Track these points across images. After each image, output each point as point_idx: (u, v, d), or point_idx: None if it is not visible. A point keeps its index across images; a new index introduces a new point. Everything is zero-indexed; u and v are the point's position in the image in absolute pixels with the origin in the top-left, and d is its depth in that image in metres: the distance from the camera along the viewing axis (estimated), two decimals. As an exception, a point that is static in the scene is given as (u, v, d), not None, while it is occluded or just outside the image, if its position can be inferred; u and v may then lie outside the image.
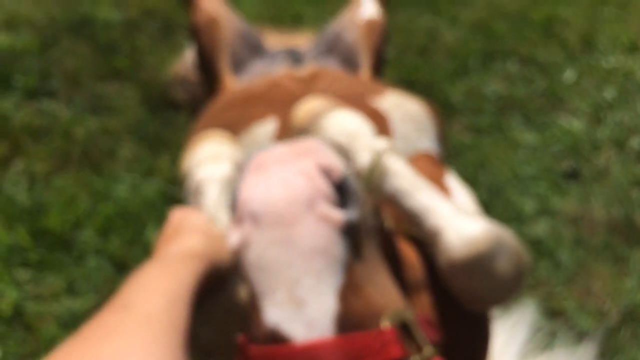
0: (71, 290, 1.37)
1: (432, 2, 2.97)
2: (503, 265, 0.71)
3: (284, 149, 0.65)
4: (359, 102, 1.06)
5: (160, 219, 1.55)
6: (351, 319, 0.56)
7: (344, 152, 0.80)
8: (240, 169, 0.65)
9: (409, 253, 0.84)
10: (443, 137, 1.19)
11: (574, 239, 1.48)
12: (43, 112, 2.09)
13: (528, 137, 1.91)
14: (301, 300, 0.56)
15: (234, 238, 0.61)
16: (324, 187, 0.59)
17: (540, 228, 1.49)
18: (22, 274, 1.41)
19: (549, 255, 1.43)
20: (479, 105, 2.09)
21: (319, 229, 0.57)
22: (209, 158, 0.88)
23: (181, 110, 2.08)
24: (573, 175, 1.72)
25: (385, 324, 0.57)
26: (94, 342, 0.50)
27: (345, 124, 0.84)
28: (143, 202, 1.59)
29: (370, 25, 1.59)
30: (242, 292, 0.74)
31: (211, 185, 0.83)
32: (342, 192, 0.61)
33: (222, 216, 0.80)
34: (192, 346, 0.70)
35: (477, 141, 1.89)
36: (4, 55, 2.44)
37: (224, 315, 0.72)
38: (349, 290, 0.57)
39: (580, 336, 1.19)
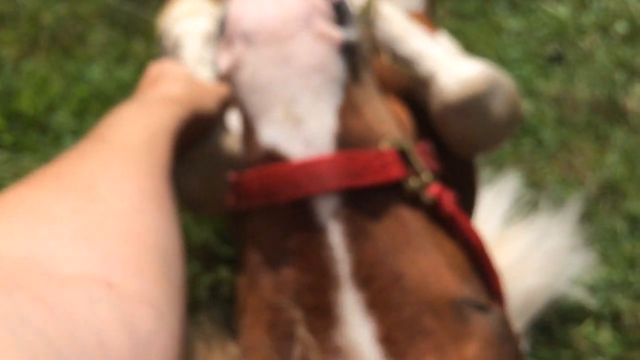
0: (49, 168, 1.34)
1: None
2: (498, 106, 0.70)
3: None
4: None
5: (137, 101, 1.51)
6: (350, 138, 0.54)
7: None
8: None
9: (396, 109, 0.82)
10: (431, 6, 1.16)
11: (557, 119, 1.48)
12: (8, -2, 1.98)
13: (513, 22, 1.87)
14: (299, 118, 0.53)
15: (224, 60, 0.57)
16: (321, 4, 0.56)
17: (524, 108, 1.48)
18: (-3, 155, 1.38)
19: (532, 134, 1.43)
20: (463, -8, 2.03)
21: (316, 46, 0.54)
22: (187, 13, 0.84)
23: (154, -5, 1.98)
24: (557, 59, 1.70)
25: (385, 146, 0.55)
26: (70, 165, 0.48)
27: None
28: (119, 85, 1.54)
29: None
30: (229, 141, 0.72)
31: (191, 39, 0.80)
32: (338, 13, 0.58)
33: (204, 68, 0.77)
34: (178, 197, 0.68)
35: (461, 26, 1.85)
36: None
37: (210, 165, 0.70)
38: (348, 110, 0.55)
39: (560, 205, 1.21)
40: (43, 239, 0.37)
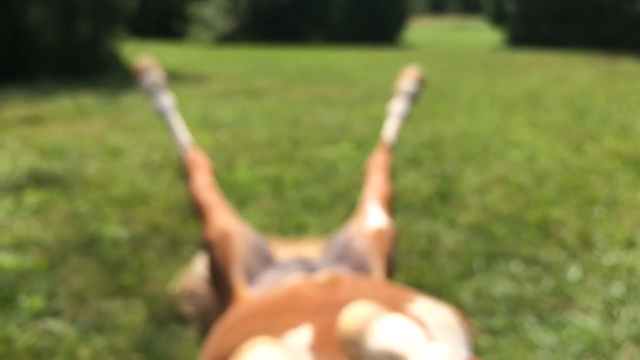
0: None
1: (427, 206, 3.10)
2: None
3: None
4: (395, 308, 1.05)
5: None
6: None
7: None
8: None
9: None
10: (473, 344, 1.17)
11: None
12: (48, 332, 2.04)
13: (545, 337, 1.87)
14: None
15: None
16: None
17: None
18: None
19: None
20: (489, 307, 2.08)
21: None
22: None
23: (189, 324, 2.04)
24: (600, 377, 1.66)
25: None
26: None
27: (399, 329, 0.82)
28: None
29: (379, 234, 1.64)
30: None
31: None
32: None
33: None
34: None
35: (494, 344, 1.85)
36: (10, 277, 2.45)
37: None
38: None
39: None
40: None
